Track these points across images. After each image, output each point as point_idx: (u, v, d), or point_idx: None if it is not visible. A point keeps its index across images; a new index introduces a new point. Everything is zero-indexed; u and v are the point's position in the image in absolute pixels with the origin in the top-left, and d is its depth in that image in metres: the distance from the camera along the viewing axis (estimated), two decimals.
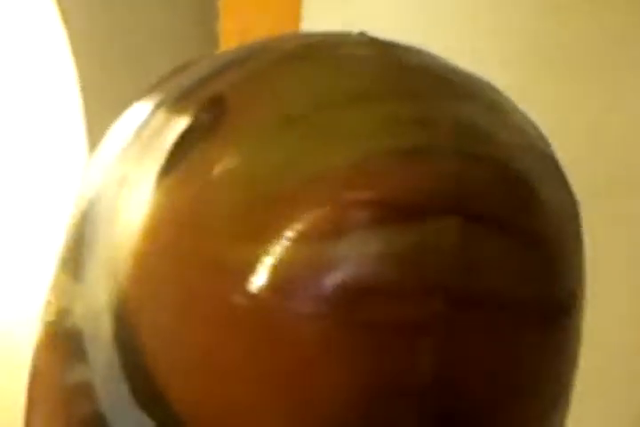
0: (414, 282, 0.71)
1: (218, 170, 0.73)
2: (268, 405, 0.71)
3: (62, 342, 0.87)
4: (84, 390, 0.80)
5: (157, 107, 0.77)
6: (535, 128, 0.79)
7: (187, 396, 0.75)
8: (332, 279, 0.71)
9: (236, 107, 0.72)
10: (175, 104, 0.77)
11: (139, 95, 0.82)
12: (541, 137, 0.79)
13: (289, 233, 0.70)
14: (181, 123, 0.74)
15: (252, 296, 0.72)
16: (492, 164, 0.70)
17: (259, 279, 0.71)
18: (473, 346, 0.73)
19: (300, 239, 0.70)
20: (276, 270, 0.72)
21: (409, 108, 0.70)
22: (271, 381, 0.71)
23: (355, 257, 0.71)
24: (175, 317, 0.76)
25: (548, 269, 0.73)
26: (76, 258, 0.85)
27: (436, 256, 0.69)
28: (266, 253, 0.72)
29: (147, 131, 0.76)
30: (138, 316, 0.77)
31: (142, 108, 0.79)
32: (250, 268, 0.71)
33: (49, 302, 0.88)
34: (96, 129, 2.27)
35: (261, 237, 0.72)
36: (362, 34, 0.80)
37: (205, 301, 0.74)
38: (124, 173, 0.80)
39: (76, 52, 2.24)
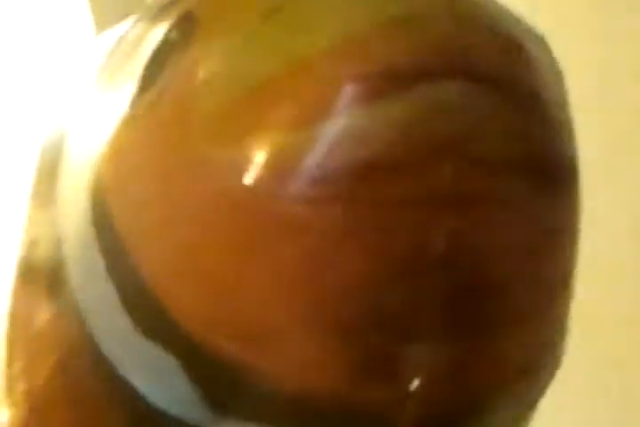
0: (419, 151, 0.75)
1: (198, 76, 0.78)
2: (277, 306, 0.71)
3: (33, 273, 0.97)
4: (73, 316, 0.82)
5: (135, 23, 0.85)
6: (524, 20, 0.87)
7: (185, 301, 0.77)
8: (334, 159, 0.73)
9: (207, 18, 0.79)
10: (151, 20, 0.85)
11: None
12: (529, 25, 0.87)
13: (282, 119, 0.73)
14: (155, 39, 0.81)
15: (249, 189, 0.74)
16: (490, 29, 0.75)
17: (255, 171, 0.74)
18: (483, 216, 0.77)
19: (296, 123, 0.72)
20: (274, 159, 0.76)
21: None
22: (277, 279, 0.72)
23: (355, 134, 0.74)
24: (163, 212, 0.80)
25: (549, 131, 0.81)
26: (46, 185, 0.95)
27: (442, 120, 0.71)
28: (260, 143, 0.76)
29: (120, 50, 0.83)
30: (124, 220, 0.80)
31: (120, 28, 0.89)
32: (245, 160, 0.73)
33: (21, 239, 1.00)
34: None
35: (253, 129, 0.75)
36: None
37: (194, 199, 0.76)
38: (88, 96, 0.90)
39: None
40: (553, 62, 0.96)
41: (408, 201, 0.77)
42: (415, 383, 0.87)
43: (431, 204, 0.78)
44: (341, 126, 0.74)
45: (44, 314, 1.01)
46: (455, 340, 0.83)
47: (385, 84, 0.72)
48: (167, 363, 0.78)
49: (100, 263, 0.77)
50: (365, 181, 0.74)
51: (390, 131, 0.71)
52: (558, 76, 1.01)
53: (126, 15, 1.25)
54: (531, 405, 1.07)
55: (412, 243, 0.74)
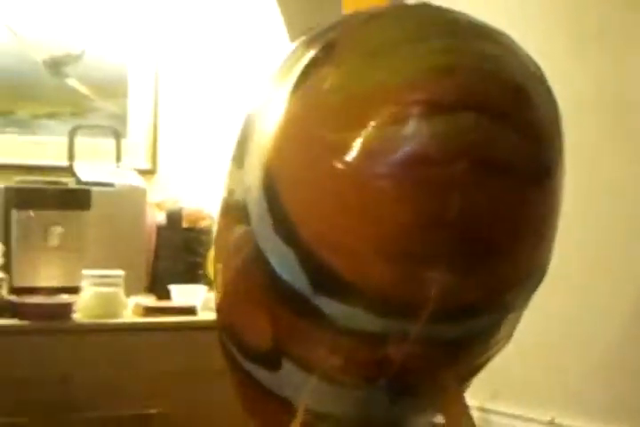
0: (450, 152, 1.64)
1: (326, 84, 1.74)
2: (354, 228, 1.72)
3: (229, 209, 2.12)
4: (246, 238, 1.93)
5: (297, 47, 1.87)
6: (534, 63, 1.77)
7: (308, 226, 1.79)
8: (399, 151, 1.65)
9: (340, 47, 1.76)
10: (307, 45, 1.83)
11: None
12: (538, 67, 1.76)
13: (371, 122, 1.67)
14: (307, 57, 1.77)
15: (349, 163, 1.69)
16: (504, 80, 1.66)
17: (353, 153, 1.68)
18: (486, 196, 1.66)
19: (379, 126, 1.67)
20: (364, 146, 1.68)
21: (446, 44, 1.69)
22: (358, 215, 1.71)
23: (413, 136, 1.65)
24: (301, 175, 1.82)
25: (538, 146, 1.75)
26: (240, 154, 2.03)
27: (461, 135, 1.64)
28: (357, 135, 1.68)
29: (288, 62, 1.87)
30: (277, 180, 1.86)
31: (291, 48, 1.90)
32: (347, 145, 1.68)
33: (224, 185, 2.10)
34: None
35: (354, 125, 1.69)
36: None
37: (319, 167, 1.75)
38: (270, 92, 1.93)
39: None
40: (550, 97, 1.74)
41: (438, 181, 1.56)
42: (432, 289, 1.67)
43: (451, 184, 1.56)
44: (410, 131, 1.57)
45: (233, 235, 1.95)
46: (462, 266, 1.69)
47: (435, 109, 1.58)
48: (289, 255, 1.76)
49: (264, 206, 1.76)
50: (418, 166, 1.56)
51: (435, 138, 1.56)
52: (553, 105, 1.75)
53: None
54: (522, 308, 1.94)
55: (438, 206, 1.57)
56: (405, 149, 1.72)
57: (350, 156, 1.79)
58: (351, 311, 1.92)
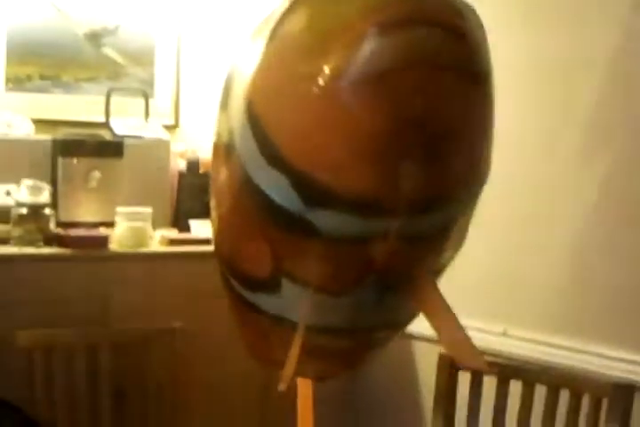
0: (407, 61, 1.67)
1: (297, 27, 1.85)
2: (333, 142, 1.76)
3: (218, 152, 2.08)
4: (236, 173, 1.96)
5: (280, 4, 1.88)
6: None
7: (292, 148, 1.81)
8: (363, 67, 1.68)
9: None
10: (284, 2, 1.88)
11: None
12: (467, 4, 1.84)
13: (337, 48, 1.72)
14: (281, 9, 1.86)
15: (322, 87, 1.71)
16: (445, 2, 1.78)
17: (324, 77, 1.71)
18: (442, 96, 1.75)
19: (344, 50, 1.72)
20: (333, 70, 1.71)
21: None
22: (335, 129, 1.75)
23: (373, 53, 1.68)
24: (280, 104, 1.83)
25: (478, 55, 1.78)
26: (225, 99, 2.02)
27: (416, 46, 1.69)
28: (326, 61, 1.72)
29: (267, 17, 1.91)
30: (259, 111, 1.86)
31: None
32: (318, 72, 1.71)
33: (214, 131, 2.08)
34: None
35: (322, 54, 1.73)
36: None
37: (296, 95, 1.79)
38: (250, 43, 1.94)
39: None
40: (477, 18, 1.88)
41: (400, 86, 1.69)
42: (405, 183, 1.82)
43: (411, 88, 1.70)
44: (370, 49, 1.70)
45: (223, 173, 2.10)
46: (427, 160, 1.84)
47: (391, 27, 1.69)
48: (279, 179, 1.85)
49: (249, 137, 1.87)
50: (381, 77, 1.69)
51: (393, 50, 1.67)
52: (479, 22, 1.87)
53: None
54: (473, 204, 2.12)
55: (403, 110, 1.70)
56: (368, 65, 1.87)
57: (322, 80, 1.93)
58: (338, 218, 2.03)
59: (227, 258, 2.49)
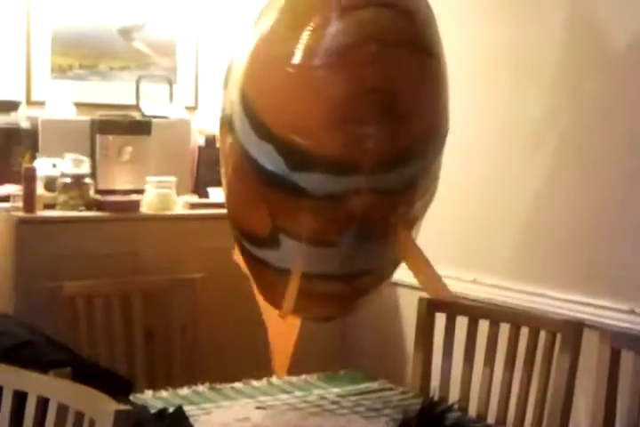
0: (362, 37, 2.06)
1: (277, 15, 2.21)
2: (307, 111, 2.13)
3: (223, 124, 2.43)
4: (235, 144, 2.31)
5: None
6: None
7: (275, 120, 2.17)
8: (327, 46, 2.08)
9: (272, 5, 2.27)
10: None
11: None
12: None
13: (306, 31, 2.09)
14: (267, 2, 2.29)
15: (296, 65, 2.10)
16: None
17: (298, 56, 2.09)
18: (395, 65, 2.10)
19: (312, 32, 2.08)
20: (304, 49, 2.09)
21: None
22: (309, 100, 2.13)
23: (335, 33, 2.07)
24: (263, 82, 2.21)
25: (427, 29, 2.16)
26: (226, 78, 2.40)
27: (369, 24, 2.05)
28: (298, 43, 2.09)
29: (262, 7, 2.32)
30: (247, 88, 2.23)
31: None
32: (293, 52, 2.09)
33: (220, 109, 2.45)
34: None
35: (295, 36, 2.10)
36: None
37: (276, 74, 2.15)
38: (247, 34, 2.29)
39: None
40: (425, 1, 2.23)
41: (360, 59, 2.09)
42: (369, 143, 2.18)
43: (366, 60, 2.08)
44: (332, 30, 2.10)
45: (226, 143, 2.46)
46: (386, 122, 2.17)
47: (348, 10, 2.09)
48: (267, 147, 2.21)
49: (240, 109, 2.26)
50: (340, 53, 2.10)
51: (349, 30, 2.10)
52: (427, 3, 2.23)
53: None
54: (436, 160, 2.42)
55: (361, 80, 2.09)
56: (330, 45, 2.13)
57: (295, 59, 2.16)
58: (318, 178, 2.24)
59: (235, 220, 2.60)
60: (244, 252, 2.57)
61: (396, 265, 2.61)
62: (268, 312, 2.73)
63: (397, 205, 2.35)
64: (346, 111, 2.12)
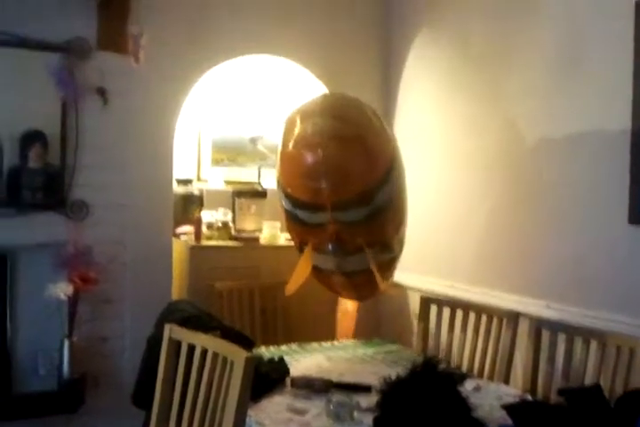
0: (314, 135, 1.98)
1: (285, 131, 2.12)
2: (294, 178, 2.06)
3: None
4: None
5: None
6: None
7: (284, 182, 2.13)
8: (297, 143, 2.02)
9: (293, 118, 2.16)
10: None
11: None
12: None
13: (290, 133, 2.04)
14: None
15: (283, 151, 2.03)
16: (328, 108, 2.04)
17: (287, 146, 2.04)
18: (335, 150, 1.97)
19: (293, 136, 2.02)
20: (292, 147, 2.03)
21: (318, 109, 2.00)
22: (294, 172, 2.04)
23: (300, 135, 2.00)
24: (281, 167, 2.16)
25: (352, 127, 2.07)
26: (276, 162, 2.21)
27: (315, 127, 1.99)
28: (289, 146, 2.03)
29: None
30: (279, 172, 2.20)
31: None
32: (287, 144, 2.03)
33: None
34: None
35: (288, 137, 2.05)
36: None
37: (284, 161, 2.12)
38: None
39: None
40: (356, 107, 2.17)
41: (312, 149, 2.07)
42: (324, 193, 2.13)
43: (317, 147, 2.04)
44: (299, 133, 2.09)
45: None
46: (332, 182, 2.08)
47: (305, 117, 2.08)
48: (282, 196, 2.27)
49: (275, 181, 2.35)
50: (303, 147, 2.09)
51: (305, 133, 2.09)
52: (358, 108, 2.15)
53: None
54: (384, 199, 2.18)
55: (314, 159, 2.04)
56: (297, 140, 2.16)
57: (286, 148, 2.19)
58: (305, 213, 2.23)
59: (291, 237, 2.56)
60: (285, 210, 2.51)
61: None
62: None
63: (360, 231, 2.24)
64: (307, 174, 2.11)
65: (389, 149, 2.26)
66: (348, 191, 2.11)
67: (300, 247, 2.43)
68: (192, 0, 3.14)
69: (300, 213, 2.24)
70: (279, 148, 2.25)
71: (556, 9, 2.55)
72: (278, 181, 2.32)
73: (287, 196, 2.25)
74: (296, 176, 2.15)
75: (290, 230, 2.47)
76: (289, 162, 2.17)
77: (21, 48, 2.63)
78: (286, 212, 2.33)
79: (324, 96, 2.30)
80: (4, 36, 2.64)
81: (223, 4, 3.19)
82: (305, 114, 2.15)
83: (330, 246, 2.28)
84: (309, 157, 2.07)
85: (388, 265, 2.53)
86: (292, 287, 2.35)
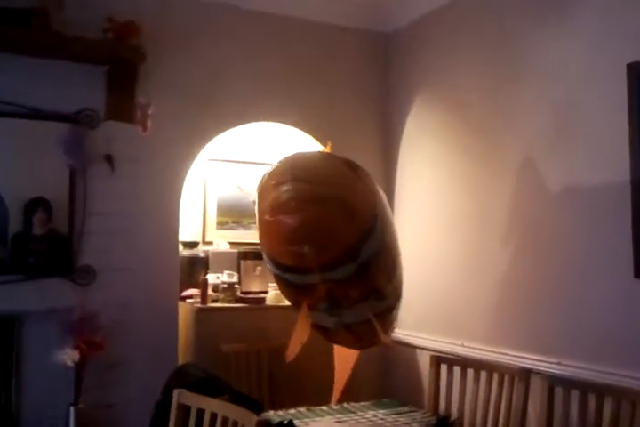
0: (289, 200, 1.94)
1: (263, 196, 2.07)
2: (277, 245, 2.01)
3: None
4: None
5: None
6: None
7: (267, 250, 2.09)
8: (273, 209, 1.96)
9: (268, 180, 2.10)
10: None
11: None
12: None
13: (267, 202, 1.97)
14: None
15: (265, 219, 1.96)
16: (301, 175, 1.98)
17: (268, 213, 1.98)
18: (309, 212, 1.94)
19: (269, 201, 1.98)
20: (268, 209, 1.99)
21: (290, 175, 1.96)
22: (275, 240, 1.99)
23: (271, 202, 1.98)
24: (261, 232, 2.09)
25: (325, 188, 2.02)
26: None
27: (288, 193, 1.94)
28: (265, 209, 1.98)
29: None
30: (259, 234, 2.19)
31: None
32: (265, 210, 1.97)
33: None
34: None
35: (263, 202, 1.99)
36: None
37: (261, 222, 2.05)
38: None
39: None
40: (331, 168, 2.09)
41: (288, 212, 2.01)
42: (309, 258, 2.04)
43: (293, 211, 2.00)
44: (272, 199, 2.04)
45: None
46: (314, 245, 2.04)
47: (278, 186, 2.01)
48: (269, 262, 2.18)
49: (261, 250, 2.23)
50: (279, 212, 2.03)
51: (278, 201, 2.02)
52: (336, 168, 2.09)
53: None
54: (371, 257, 2.10)
55: (292, 223, 1.98)
56: (275, 209, 2.10)
57: (264, 215, 2.15)
58: (293, 276, 2.18)
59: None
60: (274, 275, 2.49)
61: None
62: (337, 351, 2.56)
63: (350, 287, 2.19)
64: (288, 240, 2.07)
65: (369, 199, 2.20)
66: (333, 251, 2.07)
67: (297, 307, 2.40)
68: (199, 71, 3.19)
69: (289, 277, 2.20)
70: (257, 215, 2.25)
71: (551, 72, 2.60)
72: (262, 248, 2.30)
73: (273, 261, 2.22)
74: (278, 243, 2.12)
75: (283, 292, 2.43)
76: (268, 229, 2.15)
77: (31, 119, 2.70)
78: (275, 276, 2.30)
79: (293, 157, 2.26)
80: (14, 107, 2.70)
81: (229, 74, 3.24)
82: (276, 180, 2.14)
83: (324, 305, 2.24)
84: (288, 223, 2.04)
85: (387, 314, 2.45)
86: (291, 354, 2.31)
